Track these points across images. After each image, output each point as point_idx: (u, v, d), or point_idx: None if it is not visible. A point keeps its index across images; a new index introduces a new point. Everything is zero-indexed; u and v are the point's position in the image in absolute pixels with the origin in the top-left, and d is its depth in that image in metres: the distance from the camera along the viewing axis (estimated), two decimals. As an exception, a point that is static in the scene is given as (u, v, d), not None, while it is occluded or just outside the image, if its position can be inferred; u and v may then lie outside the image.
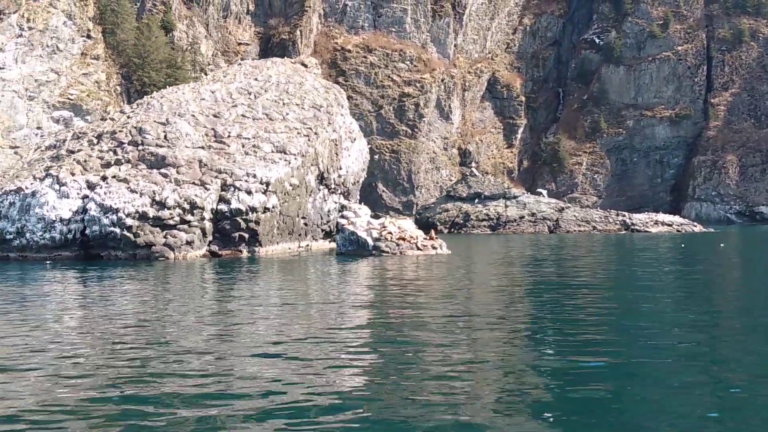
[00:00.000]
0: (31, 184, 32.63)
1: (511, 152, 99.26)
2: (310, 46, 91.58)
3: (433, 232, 33.44)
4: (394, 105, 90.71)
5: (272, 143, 35.49)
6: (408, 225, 32.78)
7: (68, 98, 67.19)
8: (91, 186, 31.77)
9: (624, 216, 64.55)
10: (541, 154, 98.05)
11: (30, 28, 64.71)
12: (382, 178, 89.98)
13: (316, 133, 37.68)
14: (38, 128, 62.81)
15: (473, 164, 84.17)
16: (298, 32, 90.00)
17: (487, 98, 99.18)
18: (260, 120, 37.20)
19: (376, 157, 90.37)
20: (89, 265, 27.10)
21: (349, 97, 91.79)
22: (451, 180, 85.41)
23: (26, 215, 31.93)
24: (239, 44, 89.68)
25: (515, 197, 67.20)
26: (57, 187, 31.89)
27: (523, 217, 64.73)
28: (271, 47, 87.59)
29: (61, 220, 31.14)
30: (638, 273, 22.57)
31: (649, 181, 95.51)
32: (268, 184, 33.18)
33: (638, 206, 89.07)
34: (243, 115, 37.19)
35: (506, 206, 66.09)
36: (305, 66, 46.09)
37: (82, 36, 69.68)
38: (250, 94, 39.62)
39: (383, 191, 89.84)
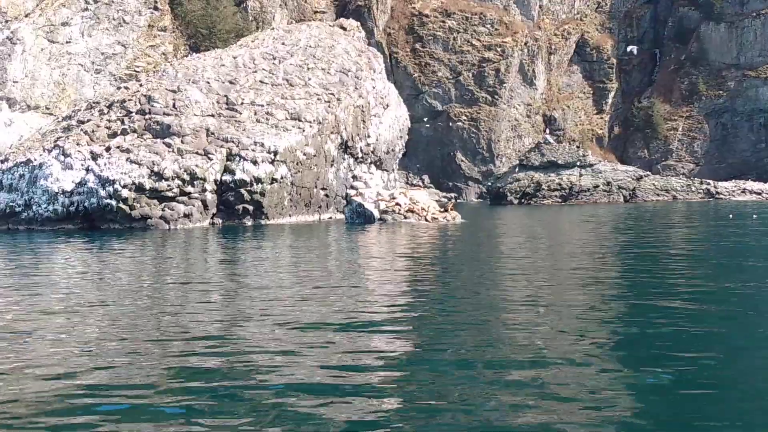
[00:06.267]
0: (40, 155, 32.13)
1: (601, 118, 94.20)
2: (386, 11, 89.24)
3: (449, 205, 31.03)
4: (473, 71, 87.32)
5: (287, 110, 33.73)
6: (421, 196, 30.46)
7: (135, 70, 67.44)
8: (94, 157, 30.94)
9: (708, 184, 59.75)
10: (633, 120, 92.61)
11: (96, 2, 65.13)
12: (461, 147, 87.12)
13: (338, 99, 35.66)
14: (105, 101, 63.40)
15: (547, 131, 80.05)
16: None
17: (575, 61, 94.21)
18: (279, 86, 35.48)
19: (454, 125, 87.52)
20: (78, 236, 26.09)
21: (426, 64, 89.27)
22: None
23: (33, 187, 31.47)
24: (315, 12, 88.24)
25: (590, 165, 63.36)
26: (62, 158, 31.24)
27: (598, 186, 60.89)
28: (347, 14, 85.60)
29: (64, 192, 30.45)
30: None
31: (753, 147, 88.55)
32: (276, 153, 31.49)
33: (740, 173, 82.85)
34: (261, 81, 35.56)
35: (580, 175, 62.36)
36: (344, 29, 43.94)
37: (149, 8, 69.74)
38: (275, 59, 37.94)
39: (462, 161, 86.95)
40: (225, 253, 18.70)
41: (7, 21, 58.98)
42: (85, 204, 30.06)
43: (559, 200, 61.22)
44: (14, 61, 59.20)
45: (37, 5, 61.68)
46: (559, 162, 63.93)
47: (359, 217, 29.79)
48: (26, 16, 60.87)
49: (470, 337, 7.79)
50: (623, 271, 13.31)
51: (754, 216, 31.38)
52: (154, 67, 68.76)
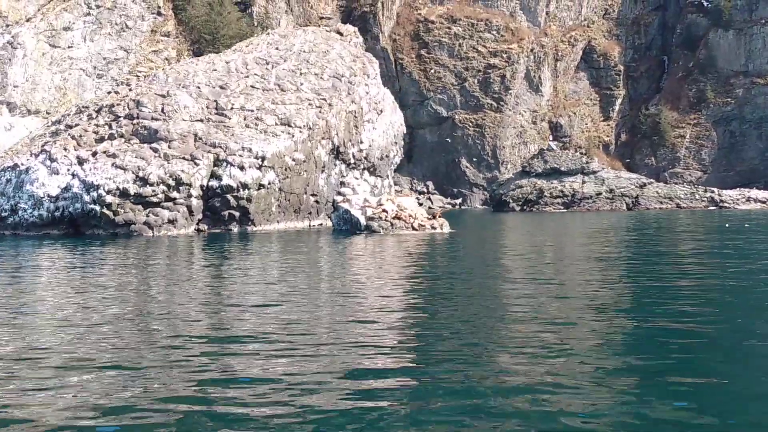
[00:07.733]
0: (27, 160, 31.91)
1: (608, 125, 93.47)
2: (392, 18, 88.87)
3: (438, 212, 30.56)
4: (478, 77, 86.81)
5: (276, 115, 33.37)
6: (409, 203, 29.96)
7: (137, 75, 67.22)
8: (80, 162, 30.67)
9: (712, 192, 59.02)
10: (640, 127, 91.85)
11: (98, 6, 65.11)
12: (465, 154, 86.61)
13: (330, 105, 35.27)
14: (107, 106, 63.21)
15: (550, 138, 79.44)
16: (379, 4, 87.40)
17: (582, 68, 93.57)
18: (270, 91, 35.14)
19: (459, 132, 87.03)
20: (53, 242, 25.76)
21: (431, 70, 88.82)
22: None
23: (19, 192, 31.23)
24: (320, 18, 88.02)
25: (594, 172, 62.67)
26: (48, 163, 30.99)
27: (600, 193, 60.24)
28: (353, 20, 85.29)
29: (49, 197, 30.20)
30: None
31: (761, 155, 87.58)
32: (263, 158, 31.12)
33: (748, 182, 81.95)
34: (252, 86, 35.23)
35: (583, 182, 61.70)
36: (340, 34, 43.58)
37: (152, 13, 69.66)
38: (267, 63, 37.61)
39: (467, 167, 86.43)
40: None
41: (8, 25, 59.00)
42: (70, 209, 29.78)
43: (562, 207, 60.63)
44: (15, 65, 59.18)
45: (39, 10, 61.68)
46: (562, 169, 63.29)
47: (346, 224, 29.36)
48: (27, 20, 60.89)
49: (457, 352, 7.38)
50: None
51: (746, 225, 30.84)
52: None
